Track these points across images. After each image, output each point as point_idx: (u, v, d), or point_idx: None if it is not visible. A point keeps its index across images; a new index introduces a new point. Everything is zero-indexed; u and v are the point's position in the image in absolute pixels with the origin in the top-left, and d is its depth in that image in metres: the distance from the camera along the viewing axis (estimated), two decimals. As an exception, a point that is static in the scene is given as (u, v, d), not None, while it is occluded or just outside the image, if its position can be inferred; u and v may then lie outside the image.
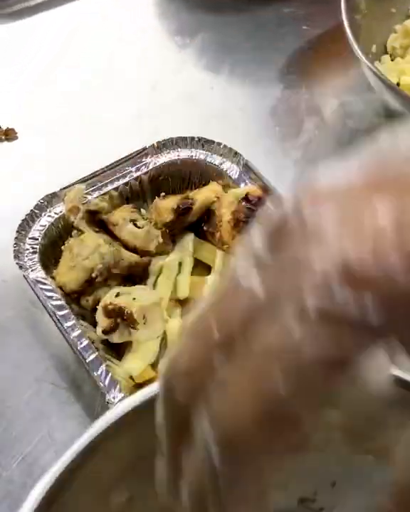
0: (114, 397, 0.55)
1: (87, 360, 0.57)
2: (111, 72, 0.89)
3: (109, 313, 0.58)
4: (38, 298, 0.60)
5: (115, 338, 0.61)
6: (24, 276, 0.61)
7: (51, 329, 0.65)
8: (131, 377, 0.61)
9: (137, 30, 0.94)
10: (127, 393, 0.57)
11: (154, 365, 0.62)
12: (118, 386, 0.57)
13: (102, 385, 0.56)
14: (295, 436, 0.19)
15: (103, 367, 0.57)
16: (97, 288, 0.63)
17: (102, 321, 0.59)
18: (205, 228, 0.67)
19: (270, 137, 0.83)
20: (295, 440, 0.19)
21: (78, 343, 0.58)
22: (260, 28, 0.92)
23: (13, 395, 0.64)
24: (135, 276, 0.65)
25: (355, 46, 0.70)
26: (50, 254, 0.65)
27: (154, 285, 0.65)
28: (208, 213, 0.67)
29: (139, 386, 0.61)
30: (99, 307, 0.60)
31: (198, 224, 0.67)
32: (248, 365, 0.20)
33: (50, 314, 0.59)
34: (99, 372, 0.57)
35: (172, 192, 0.70)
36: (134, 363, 0.62)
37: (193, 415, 0.21)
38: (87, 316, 0.64)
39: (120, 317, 0.58)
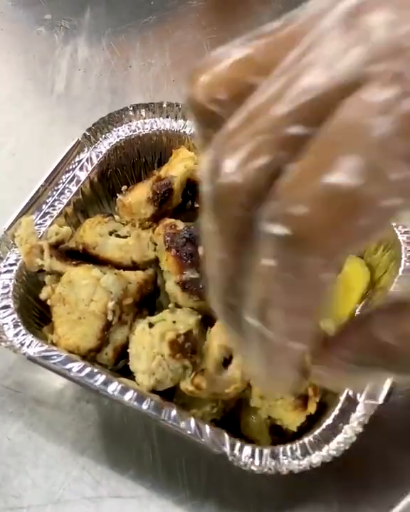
0: (233, 448, 0.41)
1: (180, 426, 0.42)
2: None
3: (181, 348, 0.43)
4: (64, 375, 0.43)
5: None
6: (29, 357, 0.43)
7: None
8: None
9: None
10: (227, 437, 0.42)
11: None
12: (225, 435, 0.42)
13: (204, 441, 0.41)
14: (364, 220, 0.18)
15: (192, 422, 0.42)
16: (111, 333, 0.47)
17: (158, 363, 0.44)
18: (196, 205, 0.52)
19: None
20: (364, 224, 0.18)
21: (144, 405, 0.42)
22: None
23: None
24: (147, 298, 0.50)
25: None
26: (30, 319, 0.48)
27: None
28: (190, 187, 0.52)
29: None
30: (146, 350, 0.44)
31: (182, 204, 0.53)
32: (316, 151, 0.18)
33: (92, 389, 0.43)
34: (192, 430, 0.42)
35: (131, 181, 0.55)
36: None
37: (253, 216, 0.19)
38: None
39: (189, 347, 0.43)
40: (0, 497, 0.47)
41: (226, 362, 0.46)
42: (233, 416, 0.48)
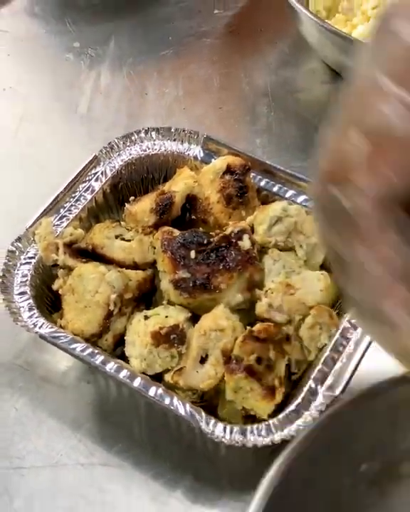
0: (208, 424, 0.48)
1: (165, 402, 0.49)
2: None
3: (164, 337, 0.50)
4: (70, 353, 0.51)
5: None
6: (40, 335, 0.51)
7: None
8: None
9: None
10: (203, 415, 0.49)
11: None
12: (202, 412, 0.49)
13: (184, 415, 0.48)
14: None
15: (175, 399, 0.49)
16: (112, 322, 0.55)
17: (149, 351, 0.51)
18: (193, 217, 0.60)
19: (220, 121, 0.78)
20: None
21: (135, 383, 0.50)
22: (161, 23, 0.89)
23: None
24: (145, 295, 0.57)
25: (298, 6, 0.67)
26: (43, 306, 0.56)
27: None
28: (189, 201, 0.60)
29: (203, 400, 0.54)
30: (141, 338, 0.52)
31: (181, 216, 0.60)
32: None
33: (92, 365, 0.50)
34: (174, 406, 0.49)
35: (138, 194, 0.63)
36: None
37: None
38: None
39: (176, 339, 0.50)
40: (6, 458, 0.54)
41: (203, 360, 0.53)
42: (211, 402, 0.55)
